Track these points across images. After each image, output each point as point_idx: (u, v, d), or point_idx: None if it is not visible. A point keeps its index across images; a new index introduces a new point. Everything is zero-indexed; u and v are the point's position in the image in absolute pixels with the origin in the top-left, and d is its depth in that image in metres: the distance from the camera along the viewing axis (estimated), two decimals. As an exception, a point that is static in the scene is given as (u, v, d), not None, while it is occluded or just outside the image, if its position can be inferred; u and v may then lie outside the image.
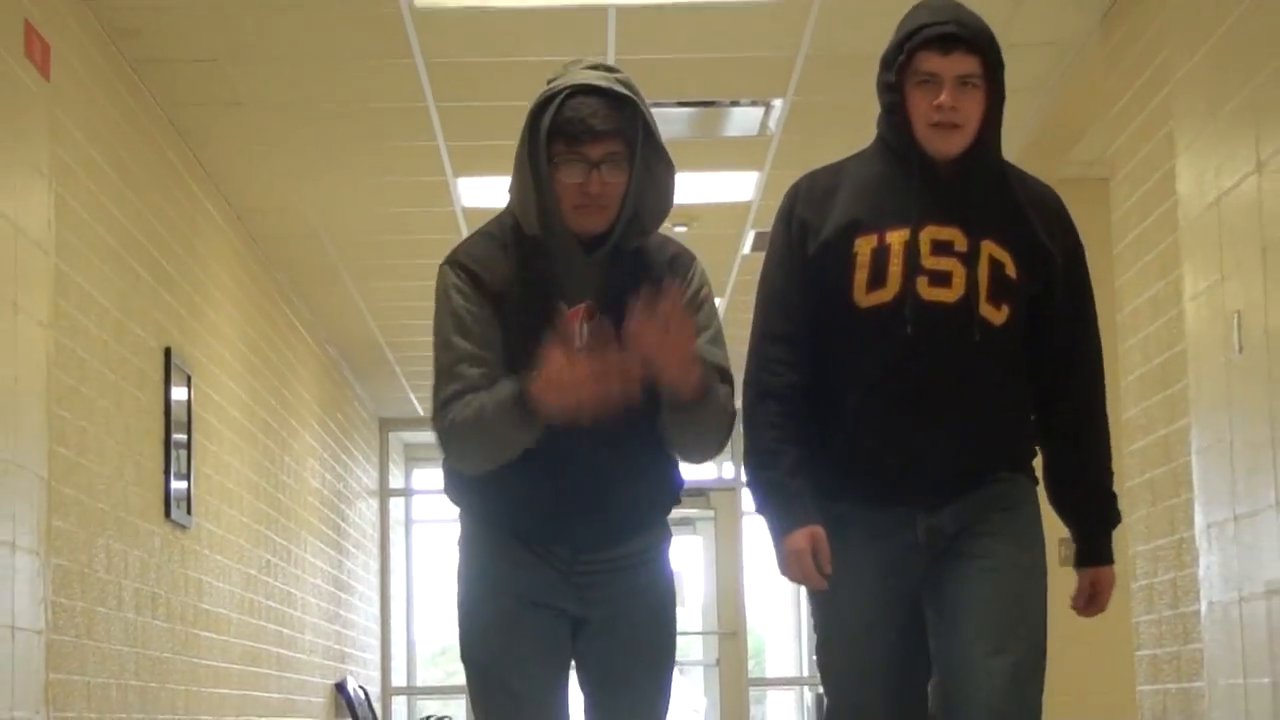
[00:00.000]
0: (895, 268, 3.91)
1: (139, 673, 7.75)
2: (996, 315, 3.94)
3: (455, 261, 3.98)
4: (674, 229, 10.95)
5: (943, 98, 3.87)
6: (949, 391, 3.94)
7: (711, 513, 17.86)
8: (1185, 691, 6.73)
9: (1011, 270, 3.94)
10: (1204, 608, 6.48)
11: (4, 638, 6.00)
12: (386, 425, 16.94)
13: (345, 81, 8.37)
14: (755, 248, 11.28)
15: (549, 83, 3.90)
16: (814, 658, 4.05)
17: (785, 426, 4.00)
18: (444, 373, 3.92)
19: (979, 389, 3.97)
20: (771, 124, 8.95)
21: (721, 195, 10.40)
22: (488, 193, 9.98)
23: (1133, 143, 7.15)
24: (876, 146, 4.07)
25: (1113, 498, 4.21)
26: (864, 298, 3.93)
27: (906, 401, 3.94)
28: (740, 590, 17.70)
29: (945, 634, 3.99)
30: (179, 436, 8.62)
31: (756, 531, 18.42)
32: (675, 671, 4.21)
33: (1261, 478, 5.92)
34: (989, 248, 3.94)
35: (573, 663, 4.13)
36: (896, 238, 3.92)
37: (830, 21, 7.34)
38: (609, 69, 3.91)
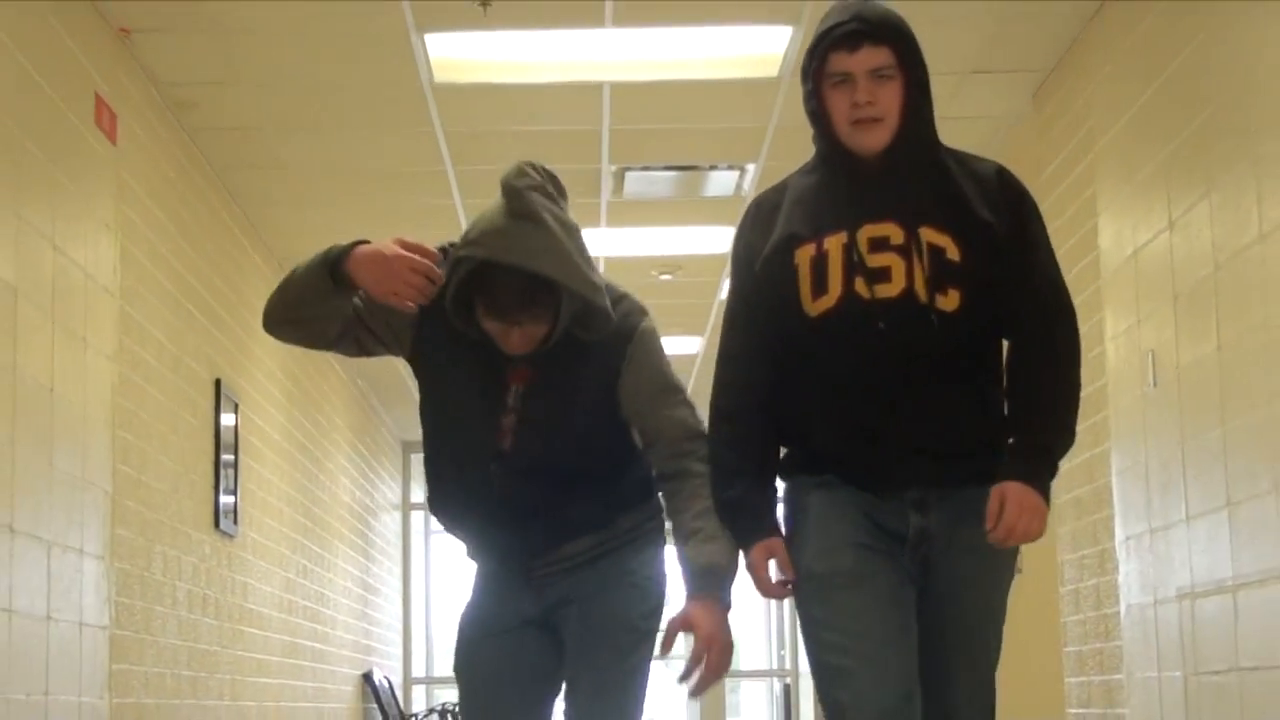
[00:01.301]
0: (835, 272, 3.45)
1: (190, 664, 7.73)
2: (945, 301, 3.45)
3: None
4: (660, 277, 10.96)
5: (858, 94, 3.44)
6: (910, 386, 3.46)
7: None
8: (1106, 683, 6.72)
9: (954, 254, 3.46)
10: (1123, 610, 6.47)
11: (73, 632, 5.99)
12: (408, 447, 16.95)
13: (374, 148, 8.38)
14: (731, 294, 11.27)
15: (509, 194, 3.45)
16: (798, 613, 3.62)
17: (741, 446, 3.58)
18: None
19: (943, 380, 3.47)
20: (746, 185, 8.97)
21: (701, 248, 10.41)
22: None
23: (1060, 203, 7.16)
24: (814, 159, 3.64)
25: (1040, 421, 3.54)
26: (811, 306, 3.47)
27: (869, 402, 3.47)
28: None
29: (926, 654, 3.53)
30: (227, 457, 8.61)
31: (732, 542, 18.44)
32: (648, 666, 3.82)
33: (1173, 496, 5.92)
34: (926, 235, 3.45)
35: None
36: (834, 243, 3.47)
37: (796, 97, 7.29)
38: (524, 205, 3.42)
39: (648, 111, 7.90)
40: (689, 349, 12.95)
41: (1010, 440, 3.52)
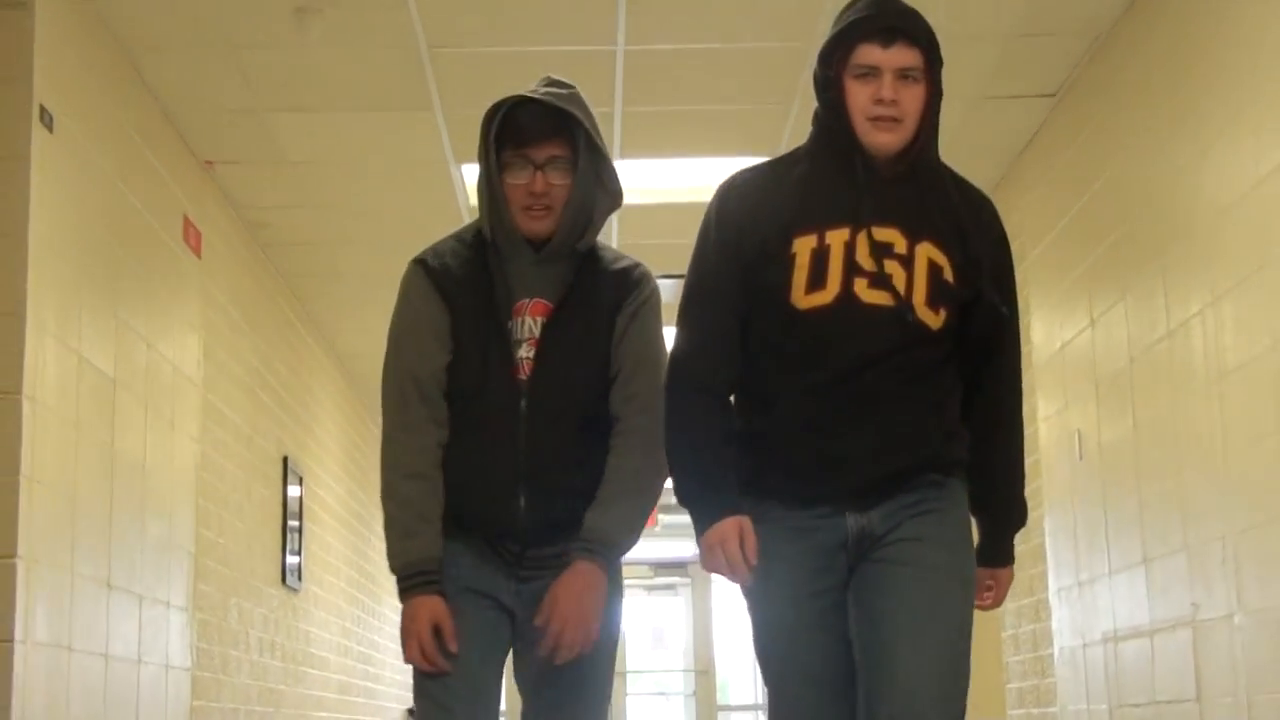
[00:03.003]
0: (835, 269, 2.85)
1: (261, 700, 7.68)
2: (934, 319, 2.88)
3: (419, 259, 3.31)
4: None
5: (884, 91, 2.85)
6: (883, 395, 2.87)
7: (689, 580, 17.82)
8: (1044, 714, 6.68)
9: (949, 275, 2.89)
10: (1056, 651, 6.44)
11: (160, 674, 5.96)
12: (447, 515, 16.90)
13: (418, 260, 8.42)
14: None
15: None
16: (755, 656, 3.06)
17: (710, 421, 2.95)
18: (390, 381, 3.26)
19: (913, 392, 2.89)
20: (733, 291, 9.00)
21: (696, 344, 10.42)
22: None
23: (999, 305, 7.17)
24: (812, 144, 3.00)
25: (1017, 499, 3.11)
26: (803, 299, 2.86)
27: (840, 404, 2.87)
28: (710, 638, 17.62)
29: (865, 634, 2.89)
30: (293, 523, 8.59)
31: (723, 594, 18.36)
32: (610, 682, 3.22)
33: (1098, 554, 5.91)
34: (927, 250, 2.88)
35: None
36: (836, 238, 2.86)
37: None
38: (561, 84, 3.17)
39: (651, 229, 7.93)
40: (685, 430, 12.92)
41: (988, 518, 3.08)
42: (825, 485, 2.89)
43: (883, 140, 2.88)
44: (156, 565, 5.96)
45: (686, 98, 6.38)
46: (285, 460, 8.46)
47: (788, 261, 2.87)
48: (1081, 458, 6.07)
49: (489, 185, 3.15)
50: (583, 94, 3.19)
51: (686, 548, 17.98)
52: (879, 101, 2.85)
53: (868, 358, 2.85)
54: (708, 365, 2.98)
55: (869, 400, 2.86)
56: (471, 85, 6.17)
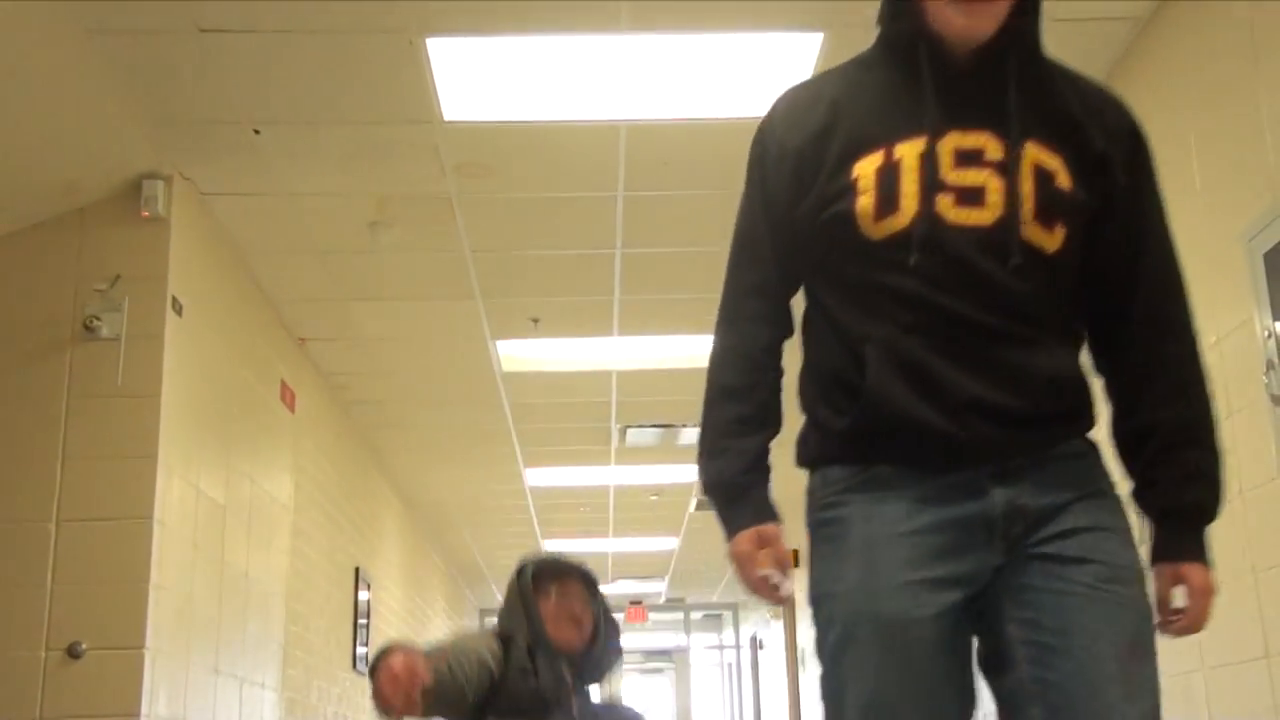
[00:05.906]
0: (909, 186, 1.73)
1: (335, 763, 7.52)
2: (1048, 239, 1.73)
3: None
4: (650, 498, 10.91)
5: None
6: (994, 335, 1.72)
7: (672, 664, 17.60)
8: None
9: (1064, 180, 1.74)
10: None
11: (256, 741, 5.85)
12: (485, 612, 16.68)
13: (463, 415, 8.41)
14: (698, 509, 11.22)
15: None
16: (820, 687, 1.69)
17: (745, 407, 1.96)
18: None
19: (1032, 330, 1.73)
20: (706, 438, 8.98)
21: (677, 479, 10.35)
22: (546, 478, 9.94)
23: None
24: (874, 52, 1.86)
25: (1204, 474, 1.77)
26: (873, 228, 1.74)
27: (940, 350, 1.72)
28: (690, 709, 17.30)
29: (1055, 662, 1.68)
30: (362, 620, 8.48)
31: (701, 675, 18.08)
32: None
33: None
34: (1033, 153, 1.74)
35: None
36: (909, 150, 1.74)
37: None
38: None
39: (642, 390, 7.95)
40: (669, 546, 12.81)
41: (1161, 498, 1.78)
42: (949, 448, 1.72)
43: (971, 24, 1.74)
44: (254, 654, 5.86)
45: (672, 288, 6.44)
46: (357, 571, 8.37)
47: (849, 188, 1.77)
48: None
49: (526, 609, 2.97)
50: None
51: (670, 639, 17.74)
52: None
53: (966, 291, 1.73)
54: (744, 331, 1.99)
55: (978, 343, 1.73)
56: (504, 280, 6.23)
